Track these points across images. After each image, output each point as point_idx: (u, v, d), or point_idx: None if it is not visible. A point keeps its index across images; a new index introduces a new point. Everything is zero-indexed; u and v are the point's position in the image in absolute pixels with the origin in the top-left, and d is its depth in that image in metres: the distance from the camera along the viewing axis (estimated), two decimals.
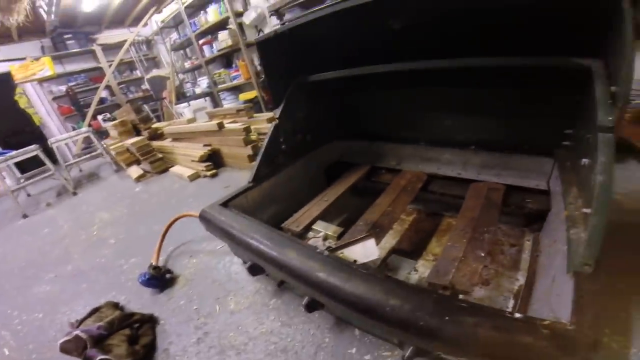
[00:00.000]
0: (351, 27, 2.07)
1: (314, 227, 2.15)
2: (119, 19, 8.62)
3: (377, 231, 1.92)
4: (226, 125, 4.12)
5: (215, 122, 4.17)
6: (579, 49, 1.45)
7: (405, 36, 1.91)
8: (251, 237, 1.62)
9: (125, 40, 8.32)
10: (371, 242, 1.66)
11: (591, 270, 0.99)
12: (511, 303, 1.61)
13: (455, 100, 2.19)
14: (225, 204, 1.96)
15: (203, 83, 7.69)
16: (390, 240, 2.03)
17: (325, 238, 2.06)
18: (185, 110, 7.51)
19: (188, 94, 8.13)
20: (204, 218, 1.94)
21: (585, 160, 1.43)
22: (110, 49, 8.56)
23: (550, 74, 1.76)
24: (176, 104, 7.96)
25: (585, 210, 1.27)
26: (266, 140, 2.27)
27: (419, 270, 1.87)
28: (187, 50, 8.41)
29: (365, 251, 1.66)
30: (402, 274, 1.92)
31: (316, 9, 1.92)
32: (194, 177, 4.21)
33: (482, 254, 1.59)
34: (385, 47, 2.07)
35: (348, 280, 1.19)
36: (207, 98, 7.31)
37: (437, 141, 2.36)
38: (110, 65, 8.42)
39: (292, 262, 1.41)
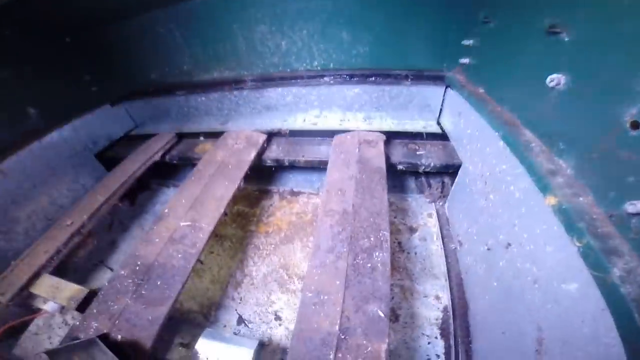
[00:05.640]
0: None
1: (33, 290, 0.91)
2: None
3: (156, 277, 0.78)
4: None
5: None
6: None
7: None
8: None
9: None
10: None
11: None
12: (440, 348, 0.82)
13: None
14: None
15: None
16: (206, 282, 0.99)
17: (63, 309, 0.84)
18: None
19: None
20: None
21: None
22: None
23: None
24: None
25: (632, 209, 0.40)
26: None
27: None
28: None
29: None
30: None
31: None
32: None
33: (378, 310, 0.65)
34: None
35: None
36: None
37: (272, 77, 1.24)
38: None
39: None
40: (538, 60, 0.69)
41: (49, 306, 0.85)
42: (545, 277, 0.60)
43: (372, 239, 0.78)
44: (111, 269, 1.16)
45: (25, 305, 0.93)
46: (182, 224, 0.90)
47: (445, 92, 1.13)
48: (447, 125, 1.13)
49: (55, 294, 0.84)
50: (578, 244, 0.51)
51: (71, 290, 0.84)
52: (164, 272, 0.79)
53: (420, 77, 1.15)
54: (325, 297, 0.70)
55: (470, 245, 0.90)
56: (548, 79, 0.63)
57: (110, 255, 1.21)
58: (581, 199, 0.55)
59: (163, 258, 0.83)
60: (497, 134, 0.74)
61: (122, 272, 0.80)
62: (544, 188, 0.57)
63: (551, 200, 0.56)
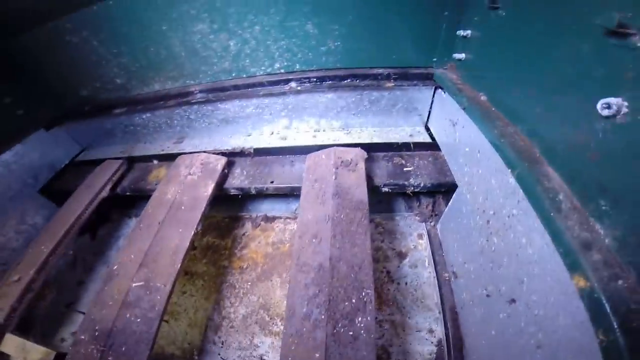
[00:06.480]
0: None
1: (2, 349, 0.83)
2: None
3: (119, 344, 0.65)
4: None
5: None
6: None
7: None
8: None
9: None
10: None
11: None
12: None
13: None
14: None
15: None
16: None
17: None
18: None
19: None
20: None
21: None
22: None
23: None
24: None
25: None
26: None
27: None
28: None
29: None
30: None
31: None
32: None
33: None
34: None
35: None
36: None
37: (224, 86, 1.00)
38: None
39: None
40: (583, 71, 0.47)
41: None
42: (552, 347, 0.48)
43: (353, 300, 0.64)
44: (83, 313, 1.03)
45: None
46: (134, 285, 0.74)
47: (434, 93, 0.94)
48: (438, 133, 0.95)
49: (24, 355, 0.74)
50: (602, 337, 0.39)
51: (38, 352, 0.77)
52: (126, 338, 0.67)
53: (404, 76, 0.94)
54: None
55: (466, 282, 0.78)
56: (600, 104, 0.42)
57: (79, 297, 1.07)
58: (620, 283, 0.41)
59: (121, 323, 0.69)
60: (509, 170, 0.57)
61: (82, 337, 0.68)
62: (574, 266, 0.43)
63: (580, 282, 0.42)
